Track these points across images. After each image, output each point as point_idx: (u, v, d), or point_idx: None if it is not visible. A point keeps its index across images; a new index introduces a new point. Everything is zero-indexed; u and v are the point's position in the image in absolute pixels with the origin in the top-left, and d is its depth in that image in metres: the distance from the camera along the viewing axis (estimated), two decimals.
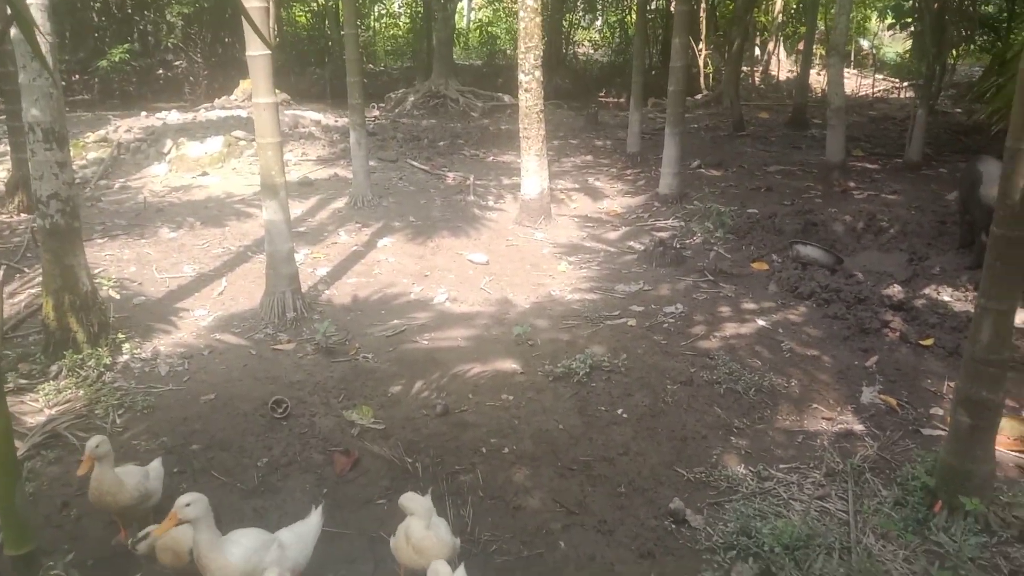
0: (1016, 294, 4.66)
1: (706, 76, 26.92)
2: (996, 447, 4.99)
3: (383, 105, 23.27)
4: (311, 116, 18.18)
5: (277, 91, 7.92)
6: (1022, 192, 4.39)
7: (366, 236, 10.46)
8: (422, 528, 4.19)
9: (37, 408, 6.00)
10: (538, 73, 10.68)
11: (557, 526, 5.04)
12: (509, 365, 7.06)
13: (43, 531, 4.50)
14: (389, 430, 6.01)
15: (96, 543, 4.72)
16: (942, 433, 5.72)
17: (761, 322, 7.87)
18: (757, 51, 29.84)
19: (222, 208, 11.36)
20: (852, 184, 12.89)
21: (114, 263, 9.05)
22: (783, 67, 31.01)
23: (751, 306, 8.29)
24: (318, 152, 15.73)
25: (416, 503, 4.25)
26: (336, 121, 18.26)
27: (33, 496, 4.89)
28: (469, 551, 4.66)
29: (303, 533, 4.32)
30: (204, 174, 13.19)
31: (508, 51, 31.09)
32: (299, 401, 6.34)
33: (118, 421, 5.93)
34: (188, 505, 3.80)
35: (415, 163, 14.84)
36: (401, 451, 5.71)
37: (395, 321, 7.99)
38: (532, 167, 11.08)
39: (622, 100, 25.86)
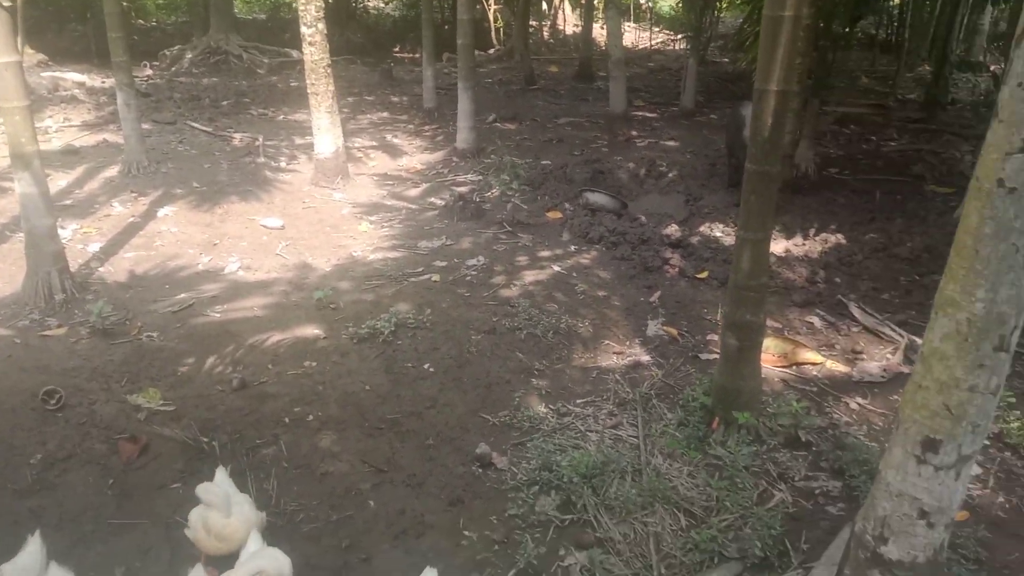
0: (769, 224, 5.15)
1: (497, 31, 27.18)
2: (762, 364, 5.54)
3: (157, 64, 21.43)
4: (73, 77, 16.41)
5: (31, 50, 7.05)
6: (770, 129, 4.82)
7: (144, 206, 9.67)
8: (221, 519, 4.01)
9: None
10: (321, 25, 10.26)
11: (366, 486, 5.01)
12: (311, 331, 6.87)
13: None
14: (180, 411, 5.67)
15: None
16: (717, 356, 6.26)
17: (556, 268, 8.18)
18: (544, 6, 30.51)
19: None
20: (634, 133, 13.62)
21: None
22: (569, 22, 31.99)
23: (547, 253, 8.60)
24: (83, 117, 14.24)
25: (213, 494, 4.04)
26: (103, 82, 16.60)
27: None
28: (275, 523, 4.53)
29: (25, 566, 3.73)
30: None
31: (293, 4, 29.61)
32: (75, 389, 5.81)
33: None
34: None
35: (196, 125, 13.86)
36: (195, 431, 5.40)
37: (182, 295, 7.50)
38: (324, 125, 10.71)
39: (417, 55, 25.56)
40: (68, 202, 9.71)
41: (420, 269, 8.15)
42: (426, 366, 6.37)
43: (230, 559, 3.88)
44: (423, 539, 4.57)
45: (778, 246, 8.66)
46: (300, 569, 4.24)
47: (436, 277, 7.94)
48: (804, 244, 8.78)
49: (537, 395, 6.03)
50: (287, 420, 5.64)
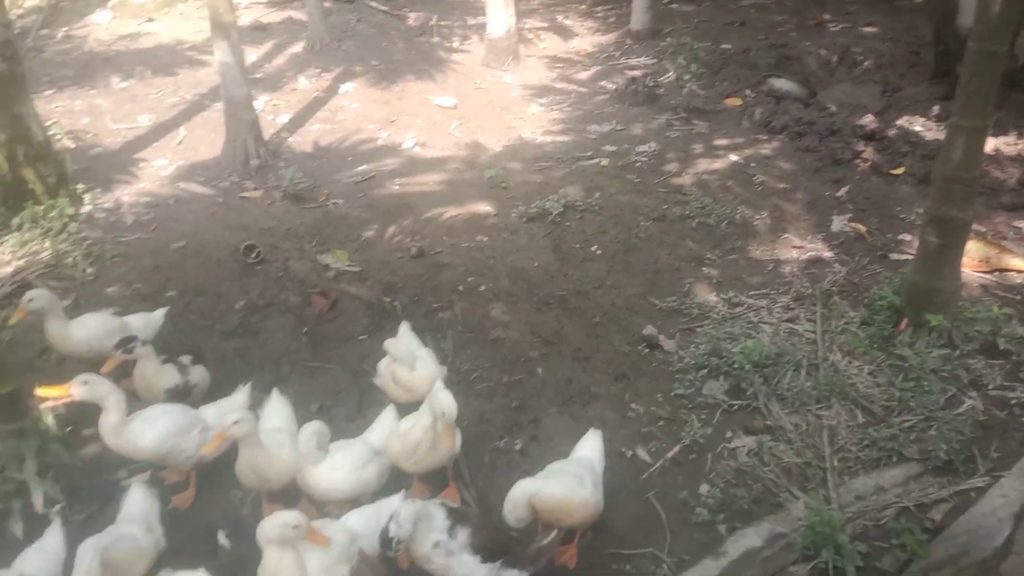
0: (988, 112, 4.64)
1: None
2: (962, 268, 5.12)
3: None
4: None
5: None
6: (1001, 4, 4.27)
7: (327, 81, 10.03)
8: (407, 372, 4.25)
9: (4, 260, 5.87)
10: None
11: (535, 355, 5.17)
12: (482, 208, 7.01)
13: (26, 375, 4.49)
14: (365, 272, 6.01)
15: None
16: (909, 257, 5.83)
17: (734, 157, 7.82)
18: None
19: (173, 56, 10.75)
20: (827, 17, 12.50)
21: (65, 114, 8.62)
22: None
23: (724, 142, 8.22)
24: None
25: (399, 348, 4.28)
26: None
27: (12, 342, 4.86)
28: (452, 379, 4.77)
29: (227, 411, 4.05)
30: (150, 20, 12.40)
31: None
32: (272, 247, 6.27)
33: (88, 270, 5.84)
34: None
35: (374, 3, 14.06)
36: (379, 292, 5.73)
37: (363, 167, 7.81)
38: (498, 4, 10.54)
39: None
40: (258, 75, 10.21)
41: (589, 153, 8.04)
42: (593, 248, 6.36)
43: (415, 405, 4.13)
44: (589, 408, 4.69)
45: (987, 144, 7.82)
46: (474, 423, 4.50)
47: (605, 162, 7.81)
48: (1018, 144, 7.88)
49: (707, 284, 5.90)
50: (461, 288, 5.85)
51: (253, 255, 6.05)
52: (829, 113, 8.58)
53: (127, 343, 4.13)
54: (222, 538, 3.37)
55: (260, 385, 4.51)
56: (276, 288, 5.79)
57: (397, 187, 7.39)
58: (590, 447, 3.89)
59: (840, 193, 7.07)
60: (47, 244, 6.02)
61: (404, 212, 6.91)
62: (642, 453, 4.37)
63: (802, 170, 7.55)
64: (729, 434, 4.48)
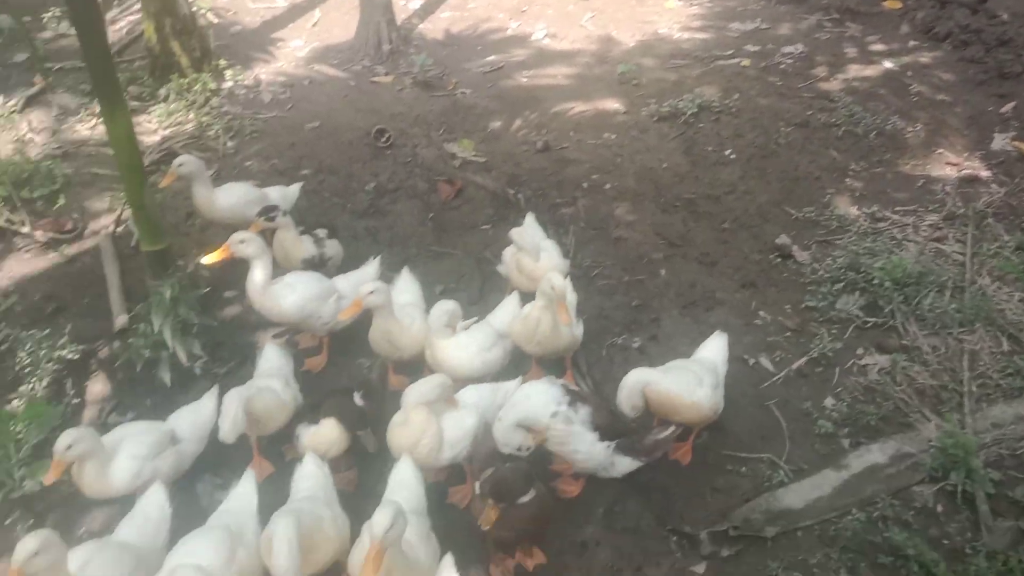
0: None
1: None
2: None
3: None
4: None
5: None
6: None
7: None
8: (531, 261, 4.25)
9: (151, 129, 6.17)
10: None
11: (659, 256, 5.07)
12: (612, 104, 6.79)
13: (172, 238, 4.77)
14: (491, 163, 5.99)
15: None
16: None
17: (888, 64, 7.23)
18: None
19: None
20: None
21: None
22: None
23: (879, 47, 7.59)
24: None
25: (526, 238, 4.26)
26: None
27: (162, 206, 5.14)
28: (573, 274, 4.74)
29: (358, 282, 4.20)
30: None
31: None
32: (401, 132, 6.32)
33: (229, 144, 6.07)
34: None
35: None
36: (503, 183, 5.71)
37: (492, 57, 7.68)
38: None
39: None
40: None
41: (729, 52, 7.60)
42: (727, 152, 6.09)
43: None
44: (712, 313, 4.59)
45: None
46: (594, 318, 4.49)
47: (746, 62, 7.37)
48: None
49: (849, 196, 5.58)
50: (585, 185, 5.75)
51: (384, 139, 6.12)
52: (1000, 21, 7.77)
53: (270, 211, 4.29)
54: (358, 399, 3.54)
55: (388, 265, 4.63)
56: (404, 173, 5.86)
57: (525, 79, 7.25)
58: (714, 349, 3.82)
59: (1005, 109, 6.46)
60: (191, 116, 6.27)
61: (531, 105, 6.79)
62: (765, 362, 4.26)
63: (964, 82, 6.92)
64: (860, 351, 4.30)
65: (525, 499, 2.94)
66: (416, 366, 4.05)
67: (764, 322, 4.51)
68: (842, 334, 4.39)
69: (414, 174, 5.85)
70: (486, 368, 3.80)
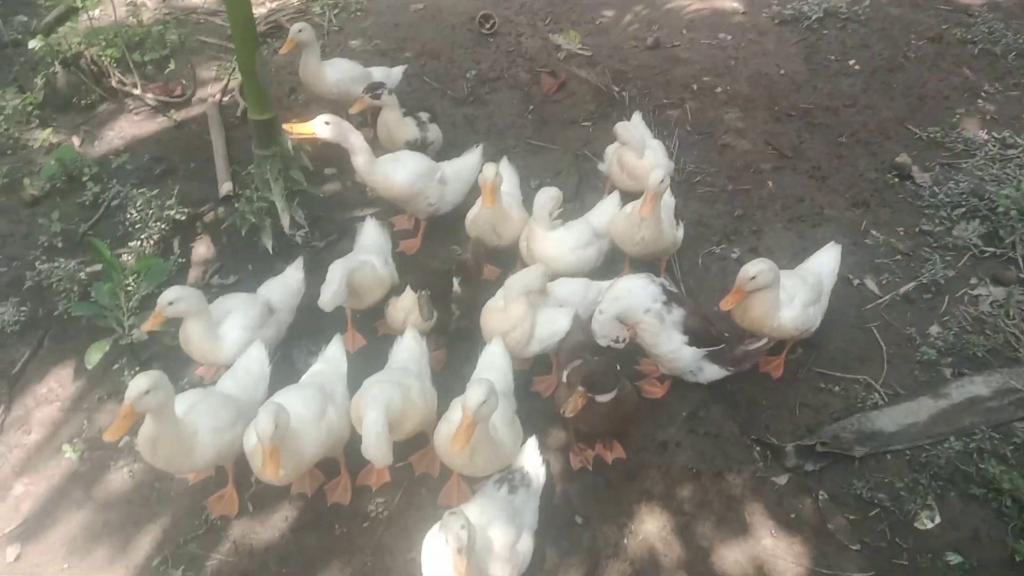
0: None
1: None
2: None
3: None
4: None
5: None
6: None
7: None
8: (635, 158, 4.11)
9: (258, 1, 6.15)
10: None
11: (767, 167, 4.85)
12: (730, 3, 6.42)
13: (276, 111, 4.80)
14: (596, 58, 5.77)
15: None
16: None
17: None
18: None
19: None
20: None
21: None
22: None
23: None
24: None
25: (632, 134, 4.11)
26: None
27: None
28: (674, 179, 4.60)
29: (461, 169, 4.26)
30: None
31: None
32: (506, 19, 6.14)
33: (334, 20, 6.02)
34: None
35: None
36: (608, 79, 5.51)
37: None
38: None
39: None
40: None
41: None
42: (851, 62, 5.71)
43: (637, 194, 4.03)
44: (819, 229, 4.40)
45: None
46: (692, 225, 4.36)
47: None
48: None
49: (980, 118, 5.17)
50: (695, 87, 5.51)
51: (488, 25, 5.95)
52: None
53: (376, 88, 4.25)
54: (456, 284, 3.56)
55: (486, 155, 4.56)
56: (507, 62, 5.71)
57: None
58: (824, 261, 3.67)
59: None
60: None
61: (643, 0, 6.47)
62: (871, 283, 4.08)
63: None
64: (974, 281, 4.07)
65: (611, 395, 2.94)
66: (507, 257, 4.05)
67: (874, 243, 4.29)
68: (956, 262, 4.16)
69: (516, 64, 5.70)
70: (580, 265, 3.76)
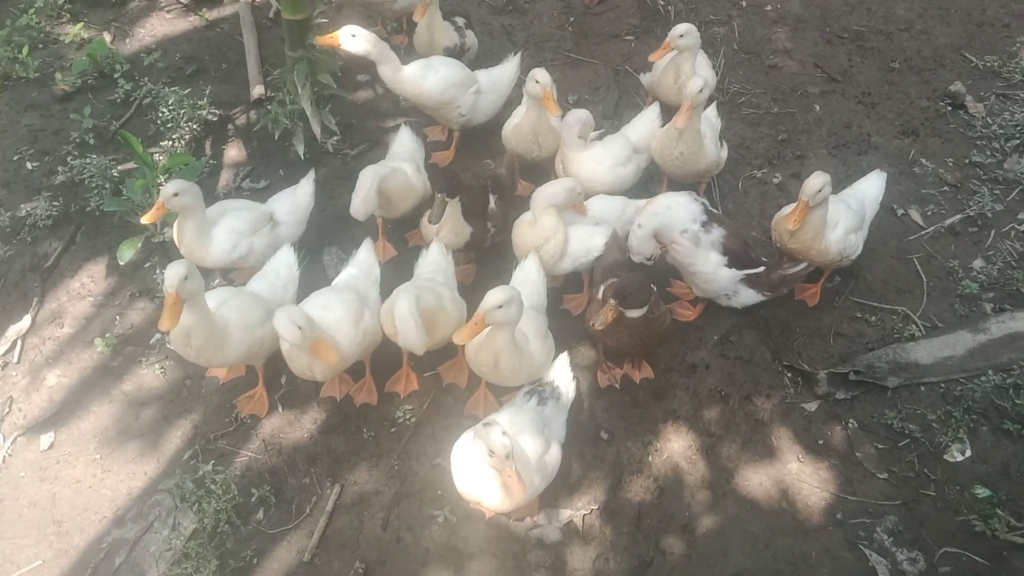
0: None
1: None
2: None
3: None
4: None
5: None
6: None
7: None
8: (691, 68, 3.94)
9: None
10: None
11: (814, 90, 4.67)
12: None
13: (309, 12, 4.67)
14: None
15: None
16: None
17: None
18: None
19: None
20: None
21: None
22: None
23: None
24: None
25: (688, 39, 3.92)
26: None
27: None
28: (717, 99, 4.45)
29: (498, 79, 4.11)
30: None
31: None
32: None
33: None
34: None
35: None
36: None
37: None
38: None
39: None
40: None
41: None
42: None
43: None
44: (865, 157, 4.25)
45: None
46: (734, 147, 4.22)
47: None
48: None
49: None
50: (743, 4, 5.26)
51: None
52: None
53: None
54: (492, 201, 3.50)
55: (523, 67, 4.41)
56: None
57: None
58: (868, 188, 3.56)
59: None
60: None
61: None
62: (915, 214, 3.96)
63: None
64: (1022, 215, 3.94)
65: (642, 311, 2.89)
66: (541, 172, 3.96)
67: (921, 172, 4.15)
68: (1005, 195, 4.02)
69: None
70: (619, 183, 3.67)
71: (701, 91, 3.37)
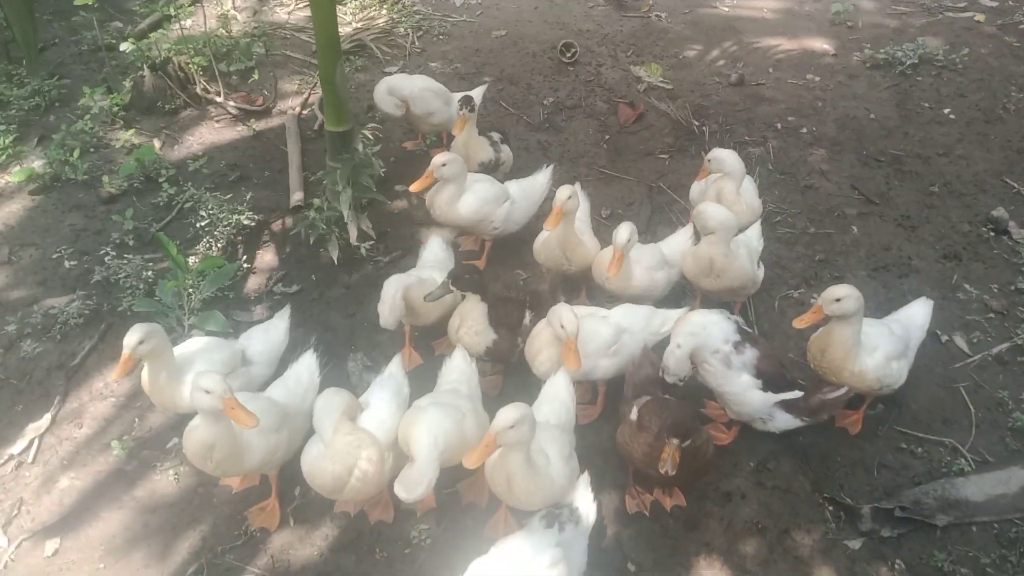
0: None
1: None
2: None
3: None
4: None
5: None
6: None
7: None
8: (733, 191, 3.92)
9: (345, 20, 6.23)
10: None
11: (852, 212, 4.63)
12: (820, 45, 6.24)
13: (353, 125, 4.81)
14: (677, 91, 5.65)
15: (395, 148, 5.05)
16: None
17: None
18: None
19: None
20: None
21: None
22: None
23: None
24: None
25: (731, 164, 3.93)
26: None
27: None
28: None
29: (529, 189, 4.16)
30: None
31: None
32: (587, 50, 6.07)
33: (416, 42, 6.05)
34: (444, 165, 3.76)
35: None
36: (688, 113, 5.37)
37: None
38: None
39: None
40: None
41: (962, 4, 6.77)
42: (946, 111, 5.46)
43: None
44: (905, 280, 4.15)
45: None
46: (769, 267, 4.14)
47: (981, 17, 6.55)
48: None
49: None
50: (779, 126, 5.33)
51: (569, 54, 5.90)
52: None
53: (469, 102, 4.20)
54: (528, 318, 3.45)
55: (556, 182, 4.46)
56: (585, 91, 5.64)
57: (727, 8, 6.78)
58: (913, 315, 3.43)
59: None
60: (383, 12, 6.29)
61: (729, 36, 6.34)
62: (960, 341, 3.81)
63: None
64: None
65: (688, 442, 2.74)
66: (574, 285, 3.92)
67: (965, 298, 4.02)
68: None
69: (595, 93, 5.62)
70: (651, 287, 3.60)
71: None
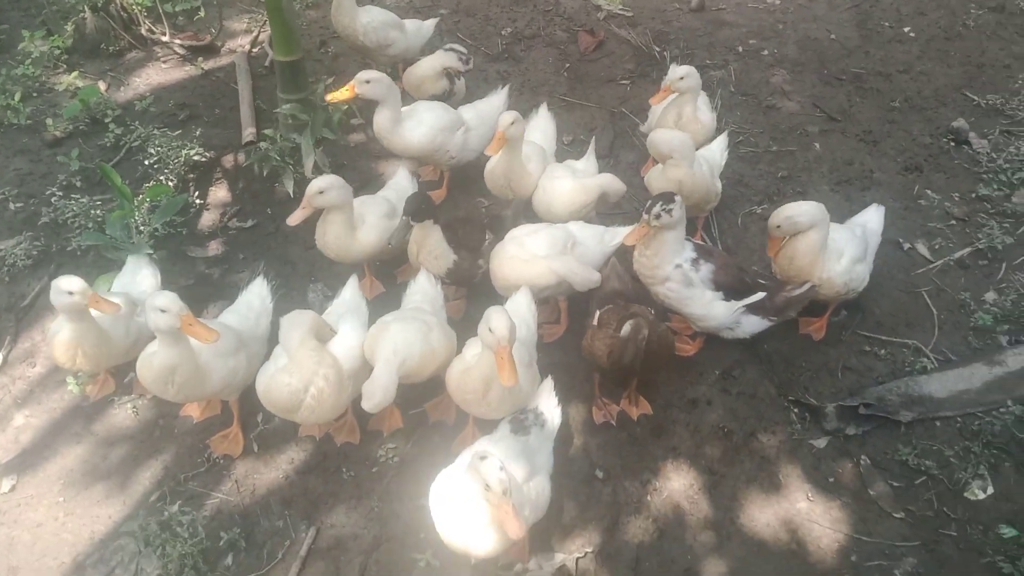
0: None
1: None
2: None
3: None
4: None
5: None
6: None
7: None
8: (692, 112, 3.86)
9: None
10: None
11: (814, 129, 4.60)
12: None
13: (306, 63, 4.66)
14: (637, 18, 5.56)
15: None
16: None
17: None
18: None
19: None
20: None
21: None
22: None
23: None
24: None
25: (689, 81, 3.84)
26: None
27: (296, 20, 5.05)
28: (724, 131, 4.36)
29: (485, 113, 4.03)
30: None
31: None
32: None
33: None
34: (368, 82, 3.60)
35: None
36: (649, 39, 5.29)
37: None
38: None
39: None
40: None
41: None
42: (906, 29, 5.43)
43: None
44: (868, 193, 4.14)
45: None
46: (732, 184, 4.14)
47: None
48: None
49: None
50: (740, 49, 5.26)
51: None
52: None
53: (464, 54, 4.31)
54: (488, 240, 3.38)
55: (519, 111, 4.36)
56: (544, 21, 5.53)
57: None
58: (867, 221, 3.43)
59: None
60: None
61: None
62: (922, 248, 3.82)
63: None
64: None
65: (643, 332, 2.71)
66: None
67: (927, 207, 4.03)
68: (1015, 228, 3.88)
69: (554, 23, 5.51)
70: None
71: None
